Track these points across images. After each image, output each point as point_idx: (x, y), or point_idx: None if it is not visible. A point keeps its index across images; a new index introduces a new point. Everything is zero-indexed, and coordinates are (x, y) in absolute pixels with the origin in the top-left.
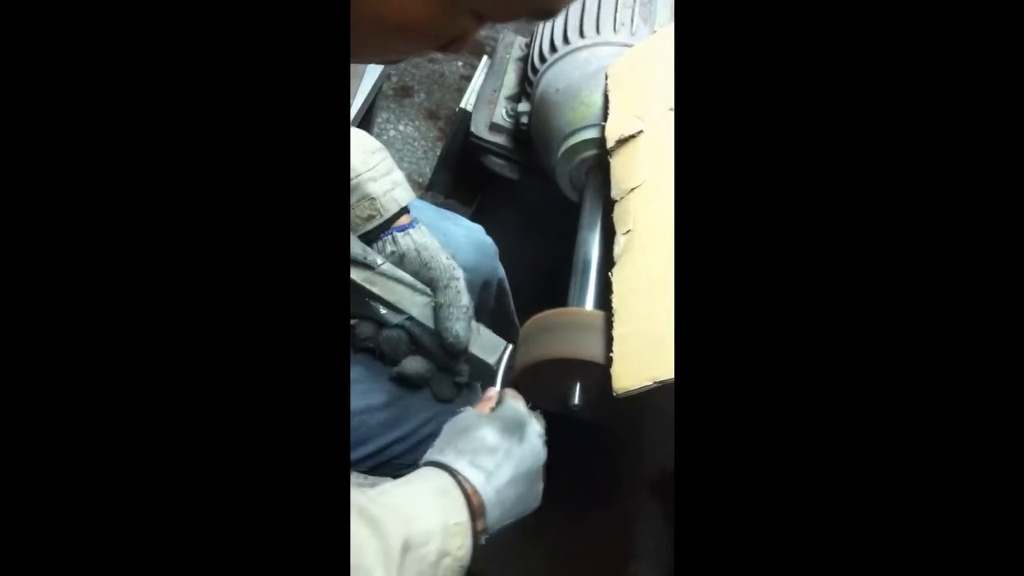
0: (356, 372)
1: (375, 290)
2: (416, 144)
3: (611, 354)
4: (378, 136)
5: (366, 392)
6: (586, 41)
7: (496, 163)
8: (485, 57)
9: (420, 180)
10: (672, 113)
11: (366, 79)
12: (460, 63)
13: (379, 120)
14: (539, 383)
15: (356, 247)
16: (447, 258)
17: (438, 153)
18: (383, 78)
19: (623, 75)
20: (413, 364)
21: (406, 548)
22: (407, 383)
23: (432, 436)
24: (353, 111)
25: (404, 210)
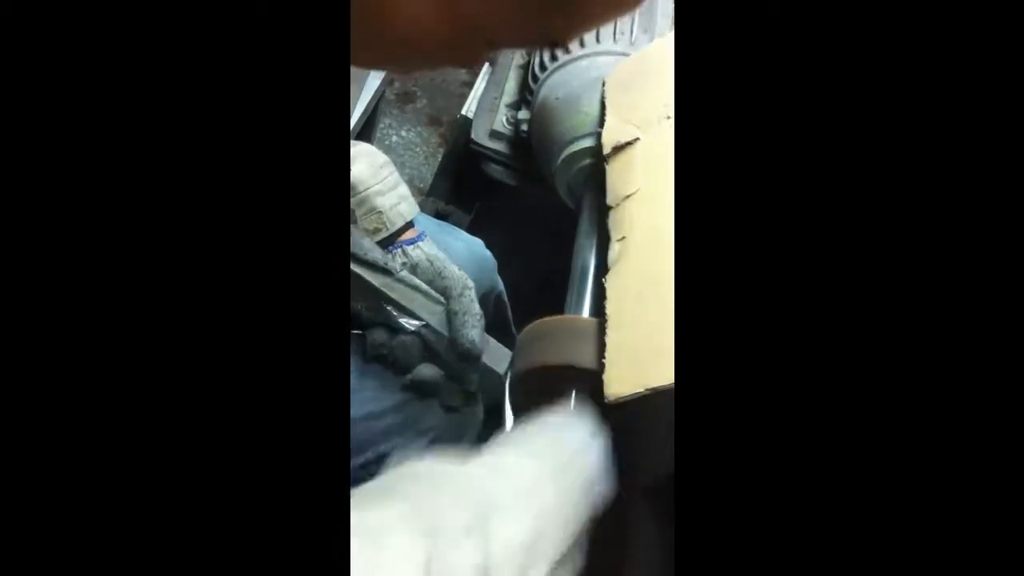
0: (366, 381)
1: (393, 296)
2: (417, 150)
3: (603, 360)
4: (380, 142)
5: (371, 399)
6: (586, 50)
7: (496, 170)
8: (487, 64)
9: (421, 186)
10: (669, 121)
11: (369, 84)
12: (462, 70)
13: (381, 126)
14: (535, 391)
15: (377, 253)
16: (459, 269)
17: (439, 159)
18: (385, 84)
19: (621, 82)
20: (426, 371)
21: None
22: (420, 390)
23: (435, 443)
24: (355, 117)
25: (409, 224)
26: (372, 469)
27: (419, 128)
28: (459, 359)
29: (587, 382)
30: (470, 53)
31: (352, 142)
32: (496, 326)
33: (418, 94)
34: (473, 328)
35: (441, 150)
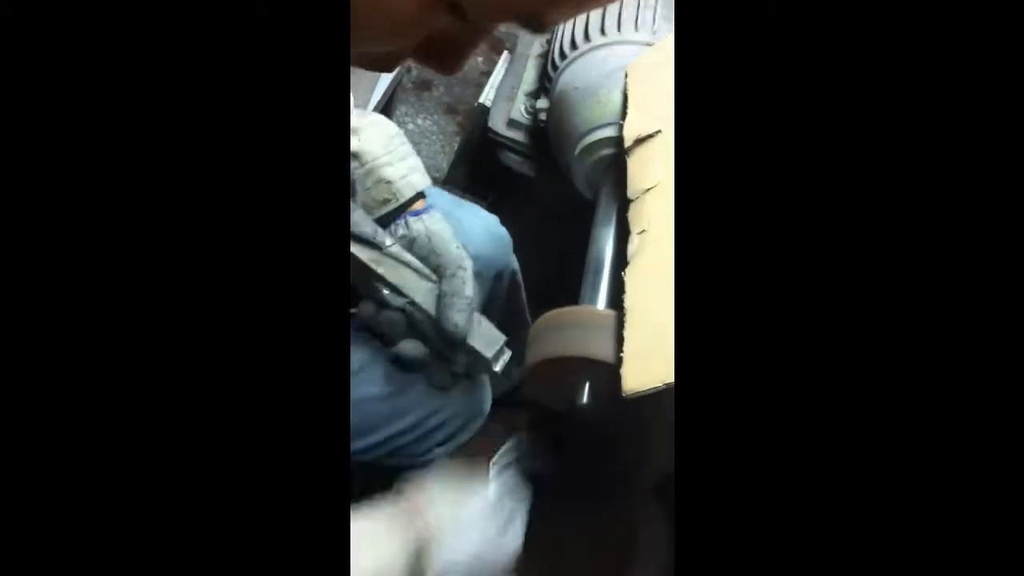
0: (357, 357)
1: (380, 271)
2: (434, 138)
3: (621, 354)
4: None
5: (367, 380)
6: (607, 39)
7: (513, 159)
8: (505, 53)
9: (437, 175)
10: None
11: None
12: (480, 59)
13: (398, 113)
14: (548, 381)
15: (367, 226)
16: (457, 247)
17: (456, 148)
18: (403, 72)
19: (642, 74)
20: (409, 347)
21: None
22: (403, 366)
23: (436, 429)
24: (372, 104)
25: (420, 195)
26: (378, 451)
27: (436, 116)
28: (442, 341)
29: (602, 375)
30: (437, 27)
31: (363, 112)
32: (509, 307)
33: (435, 82)
34: (459, 311)
35: (458, 139)
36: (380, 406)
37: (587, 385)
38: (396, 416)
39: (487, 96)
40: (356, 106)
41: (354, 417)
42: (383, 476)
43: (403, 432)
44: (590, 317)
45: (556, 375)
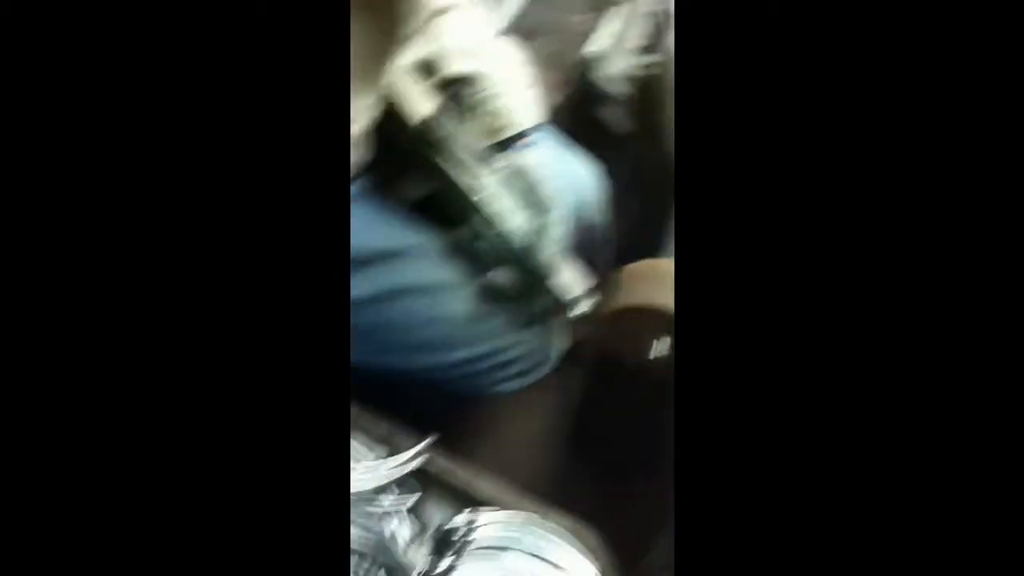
0: (449, 275)
1: (479, 198)
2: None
3: None
4: None
5: (455, 299)
6: None
7: (613, 114)
8: (613, 8)
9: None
10: None
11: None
12: (584, 14)
13: None
14: (623, 330)
15: (473, 152)
16: (555, 187)
17: (556, 99)
18: (511, 23)
19: None
20: (500, 277)
21: None
22: (491, 295)
23: (511, 363)
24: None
25: (531, 129)
26: (451, 372)
27: (538, 66)
28: (529, 276)
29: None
30: None
31: (489, 36)
32: (592, 258)
33: (539, 32)
34: (550, 247)
35: (559, 91)
36: (463, 326)
37: (663, 340)
38: (476, 340)
39: (591, 50)
40: (482, 29)
41: (434, 332)
42: (441, 405)
43: (479, 358)
44: (670, 270)
45: (631, 325)
